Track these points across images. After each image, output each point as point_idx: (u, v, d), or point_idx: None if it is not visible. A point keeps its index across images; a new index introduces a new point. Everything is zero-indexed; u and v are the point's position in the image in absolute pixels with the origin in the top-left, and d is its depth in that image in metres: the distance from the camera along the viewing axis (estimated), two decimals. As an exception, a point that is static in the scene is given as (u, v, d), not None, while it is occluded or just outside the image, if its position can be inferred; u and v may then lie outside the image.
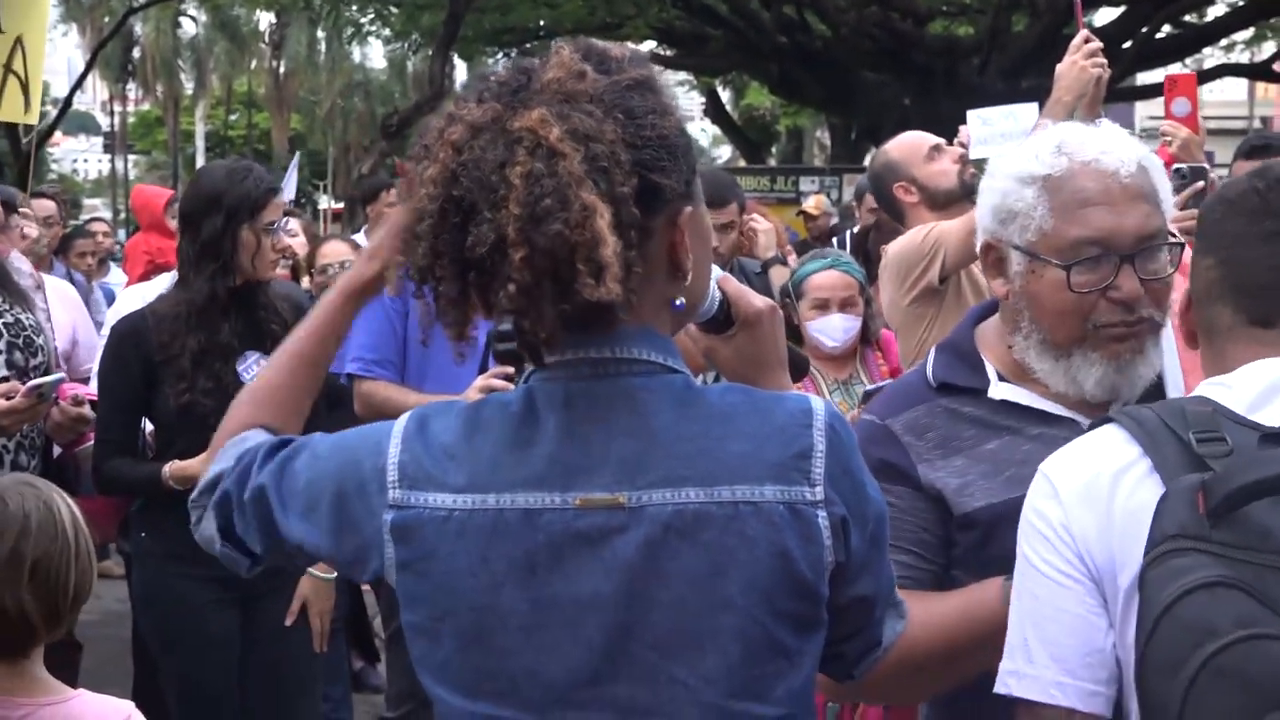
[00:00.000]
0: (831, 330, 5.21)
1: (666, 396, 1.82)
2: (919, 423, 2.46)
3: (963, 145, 5.29)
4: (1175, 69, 27.06)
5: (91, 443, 4.66)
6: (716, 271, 2.09)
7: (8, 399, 4.39)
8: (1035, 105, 4.42)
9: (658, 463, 1.79)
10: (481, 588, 1.81)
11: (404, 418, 1.91)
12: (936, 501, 2.41)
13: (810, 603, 1.82)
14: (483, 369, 4.42)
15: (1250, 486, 1.71)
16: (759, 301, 2.15)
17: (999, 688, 1.99)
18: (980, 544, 2.35)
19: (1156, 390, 2.41)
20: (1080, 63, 4.27)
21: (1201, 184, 4.13)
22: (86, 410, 4.64)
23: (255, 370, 4.38)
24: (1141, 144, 2.40)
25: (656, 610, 1.78)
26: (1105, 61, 4.26)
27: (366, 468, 1.88)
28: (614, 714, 1.80)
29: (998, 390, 2.46)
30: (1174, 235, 2.38)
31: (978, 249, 2.49)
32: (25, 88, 6.66)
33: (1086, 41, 4.27)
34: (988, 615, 2.23)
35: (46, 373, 4.74)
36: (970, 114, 5.48)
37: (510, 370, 4.17)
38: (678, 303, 1.89)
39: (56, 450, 4.86)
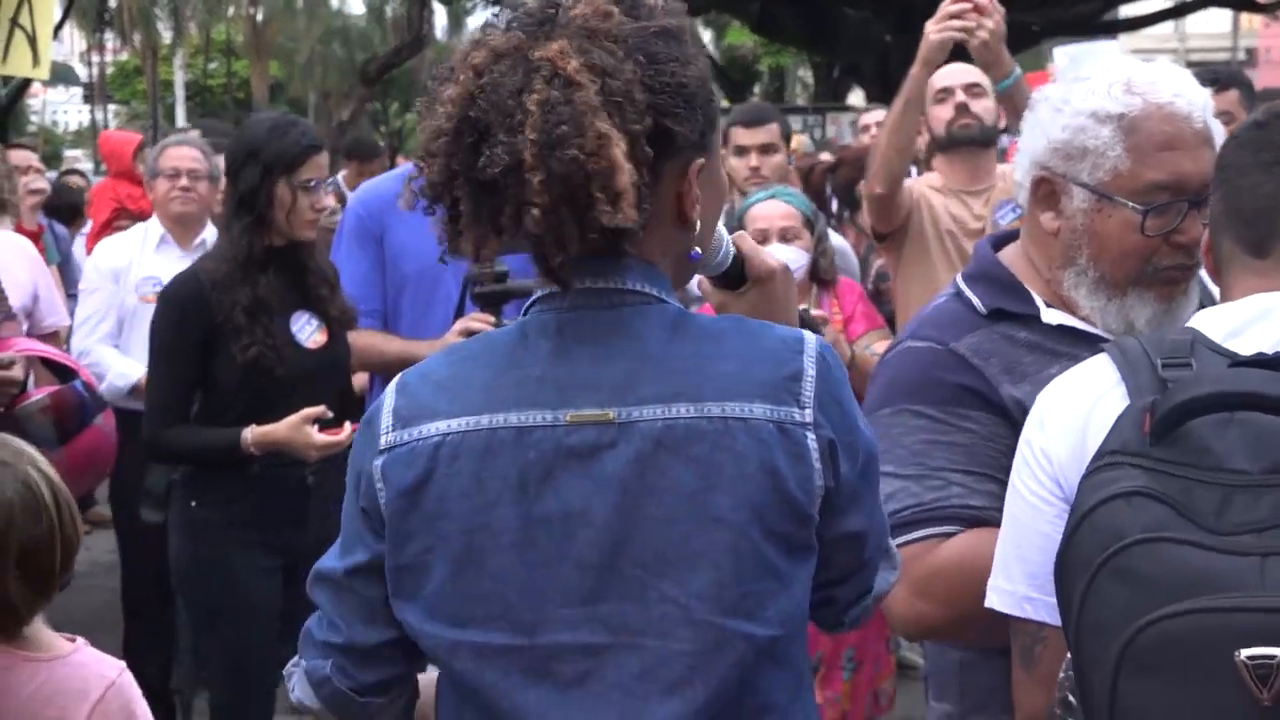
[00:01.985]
0: None
1: (658, 321, 1.85)
2: (982, 348, 2.45)
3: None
4: (1157, 1, 27.01)
5: (32, 400, 4.57)
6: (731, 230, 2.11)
7: None
8: (1115, 42, 4.36)
9: (648, 380, 1.81)
10: (475, 508, 1.83)
11: (405, 372, 1.96)
12: (1018, 422, 2.37)
13: (799, 523, 1.83)
14: (459, 314, 4.41)
15: (1185, 404, 1.75)
16: (772, 260, 2.15)
17: (986, 602, 2.08)
18: None
19: None
20: (929, 28, 4.14)
21: None
22: (15, 372, 4.55)
23: (308, 330, 4.37)
24: (1201, 87, 2.42)
25: (647, 526, 1.79)
26: (971, 25, 4.04)
27: (363, 440, 1.94)
28: (606, 632, 1.81)
29: (1051, 316, 2.45)
30: None
31: (1027, 182, 2.46)
32: (33, 42, 6.62)
33: (954, 2, 4.09)
34: None
35: None
36: (1057, 51, 5.51)
37: (490, 317, 4.18)
38: (694, 252, 1.94)
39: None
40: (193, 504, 4.40)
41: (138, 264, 5.84)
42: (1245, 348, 1.88)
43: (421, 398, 1.89)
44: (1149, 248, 2.36)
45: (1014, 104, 4.19)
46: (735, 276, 2.14)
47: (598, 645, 1.81)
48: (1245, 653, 1.61)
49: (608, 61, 1.76)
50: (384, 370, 4.70)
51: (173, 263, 5.81)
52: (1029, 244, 2.53)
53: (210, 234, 5.92)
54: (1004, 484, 2.23)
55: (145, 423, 4.41)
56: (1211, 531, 1.69)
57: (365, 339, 4.66)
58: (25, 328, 5.26)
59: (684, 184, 1.87)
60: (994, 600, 2.08)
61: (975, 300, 2.50)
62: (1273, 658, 1.60)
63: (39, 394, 4.62)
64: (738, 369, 1.83)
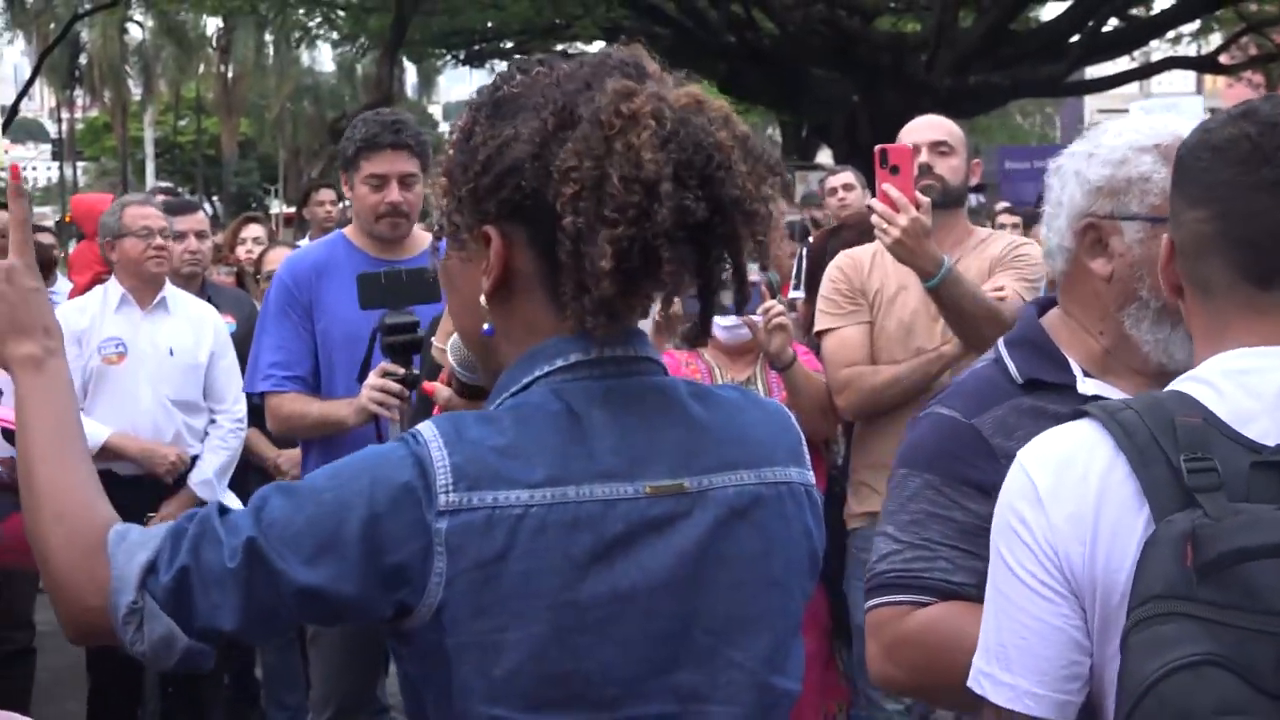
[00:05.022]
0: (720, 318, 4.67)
1: (683, 390, 1.86)
2: (1007, 421, 2.41)
3: None
4: (1123, 62, 27.27)
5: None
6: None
7: None
8: (1200, 99, 4.24)
9: (706, 449, 1.83)
10: (564, 584, 1.72)
11: (429, 425, 1.76)
12: None
13: (815, 579, 1.93)
14: (365, 364, 4.37)
15: (1244, 551, 1.66)
16: None
17: (971, 683, 1.93)
18: None
19: None
20: (880, 233, 3.95)
21: None
22: None
23: None
24: None
25: (717, 593, 1.81)
26: (881, 225, 3.88)
27: (397, 482, 1.71)
28: (675, 702, 1.78)
29: (1086, 386, 2.42)
30: None
31: (1068, 238, 2.44)
32: None
33: (888, 202, 3.89)
34: None
35: None
36: (1134, 107, 5.50)
37: (399, 368, 4.19)
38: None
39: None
40: None
41: (99, 326, 5.78)
42: (1259, 435, 1.76)
43: (491, 460, 1.72)
44: None
45: (941, 300, 4.09)
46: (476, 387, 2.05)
47: (669, 714, 1.79)
48: None
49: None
50: (307, 435, 4.79)
51: (134, 323, 5.79)
52: (1070, 305, 2.49)
53: (170, 293, 5.92)
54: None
55: None
56: (1275, 698, 1.62)
57: (287, 404, 4.71)
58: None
59: None
60: (989, 690, 1.91)
61: (1012, 367, 2.48)
62: None
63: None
64: (769, 436, 1.89)
